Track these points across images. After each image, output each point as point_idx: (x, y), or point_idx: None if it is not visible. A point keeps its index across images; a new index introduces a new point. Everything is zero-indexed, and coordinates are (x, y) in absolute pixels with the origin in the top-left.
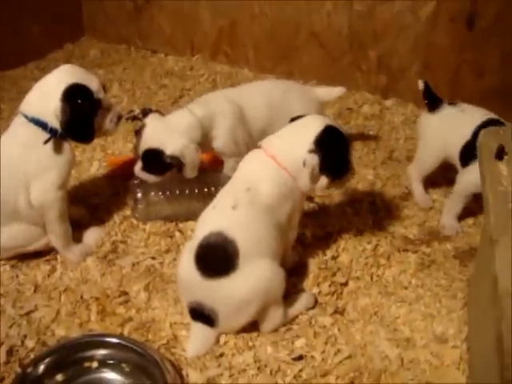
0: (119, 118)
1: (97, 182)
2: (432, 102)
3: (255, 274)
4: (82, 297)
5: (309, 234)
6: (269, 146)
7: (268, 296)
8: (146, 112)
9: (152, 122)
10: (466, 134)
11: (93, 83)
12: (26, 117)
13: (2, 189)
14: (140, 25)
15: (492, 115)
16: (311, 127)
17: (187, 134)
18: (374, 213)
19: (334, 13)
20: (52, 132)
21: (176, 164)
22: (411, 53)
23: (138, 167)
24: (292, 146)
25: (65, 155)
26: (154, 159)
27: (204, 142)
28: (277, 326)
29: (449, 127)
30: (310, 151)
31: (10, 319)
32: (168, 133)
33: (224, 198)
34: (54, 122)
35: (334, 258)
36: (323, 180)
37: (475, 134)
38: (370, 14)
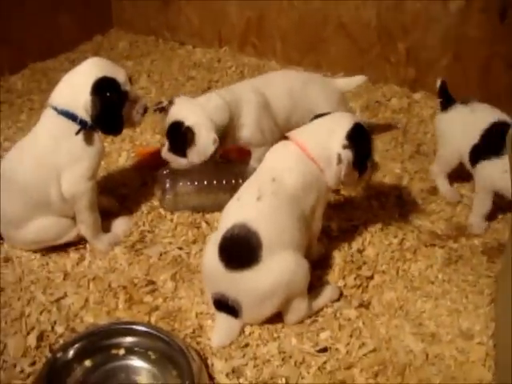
0: (145, 109)
1: (125, 173)
2: (446, 100)
3: (279, 266)
4: (109, 285)
5: (334, 226)
6: (298, 137)
7: (292, 288)
8: (173, 103)
9: (180, 100)
10: (474, 136)
11: (120, 75)
12: (56, 109)
13: (35, 181)
14: (168, 16)
15: (503, 116)
16: (341, 123)
17: (214, 115)
18: (400, 207)
19: (362, 4)
20: (82, 124)
21: (188, 139)
22: (441, 45)
23: (164, 149)
24: (323, 140)
25: (95, 146)
26: (176, 133)
27: (230, 128)
28: (301, 317)
29: (459, 127)
30: (345, 147)
31: (41, 305)
32: (193, 108)
33: (249, 189)
34: (84, 114)
35: (359, 251)
36: (353, 175)
37: (483, 137)
38: (399, 5)
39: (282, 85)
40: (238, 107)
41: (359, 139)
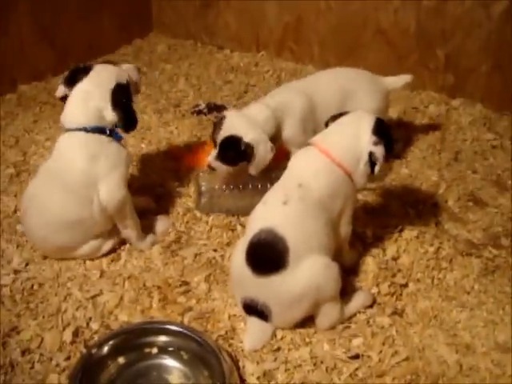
0: (138, 70)
1: (162, 174)
2: None
3: (308, 271)
4: (144, 284)
5: (369, 233)
6: (322, 142)
7: (322, 292)
8: (210, 106)
9: (232, 114)
10: None
11: (120, 74)
12: (86, 129)
13: (80, 204)
14: (207, 21)
15: None
16: (363, 122)
17: (265, 126)
18: (436, 215)
19: (401, 9)
20: (112, 133)
21: (248, 154)
22: (482, 51)
23: (212, 156)
24: (348, 142)
25: (123, 152)
26: (232, 146)
27: (276, 133)
28: (333, 323)
29: None
30: (376, 143)
31: (77, 302)
32: (249, 123)
33: (275, 194)
34: (109, 124)
35: (394, 258)
36: (383, 168)
37: None
38: (439, 10)
39: (331, 82)
40: (283, 111)
41: (385, 132)
